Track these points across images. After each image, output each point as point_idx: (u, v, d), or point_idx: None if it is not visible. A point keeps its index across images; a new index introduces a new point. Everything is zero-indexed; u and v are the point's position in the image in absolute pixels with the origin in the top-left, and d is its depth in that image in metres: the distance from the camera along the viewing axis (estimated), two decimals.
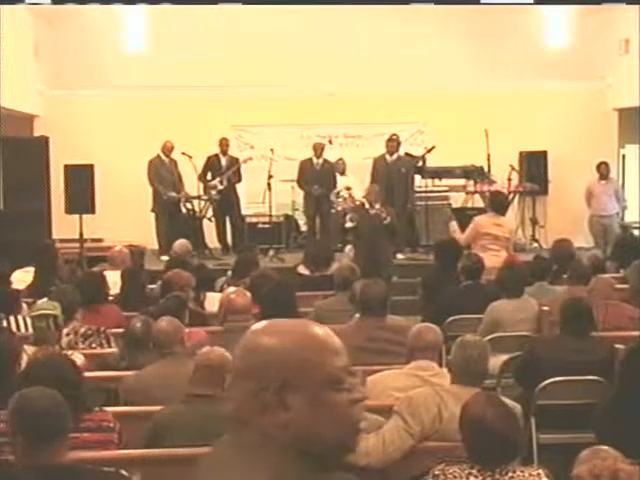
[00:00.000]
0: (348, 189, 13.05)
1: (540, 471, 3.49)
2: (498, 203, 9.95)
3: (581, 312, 5.82)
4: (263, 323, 1.76)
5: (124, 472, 3.73)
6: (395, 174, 12.32)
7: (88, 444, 4.01)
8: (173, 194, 12.69)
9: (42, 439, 3.32)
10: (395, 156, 12.59)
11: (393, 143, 12.61)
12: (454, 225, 9.72)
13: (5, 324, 6.54)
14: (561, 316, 5.87)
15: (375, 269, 9.03)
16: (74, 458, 3.80)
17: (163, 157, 12.92)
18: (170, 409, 4.38)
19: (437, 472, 3.51)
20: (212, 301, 7.34)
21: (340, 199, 13.20)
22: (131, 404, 4.93)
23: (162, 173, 12.83)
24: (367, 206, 10.25)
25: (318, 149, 13.31)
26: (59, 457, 3.37)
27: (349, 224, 10.25)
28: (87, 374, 4.66)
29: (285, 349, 1.67)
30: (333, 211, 13.20)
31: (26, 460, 3.33)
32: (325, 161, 13.31)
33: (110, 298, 7.66)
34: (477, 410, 3.52)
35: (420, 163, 12.88)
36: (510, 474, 3.42)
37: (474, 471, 3.44)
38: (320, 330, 1.72)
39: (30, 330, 6.29)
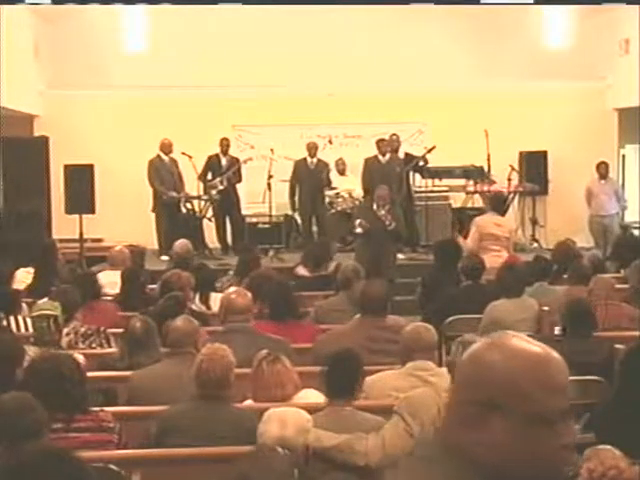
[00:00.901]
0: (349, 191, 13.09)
1: None
2: (498, 203, 9.96)
3: (585, 313, 5.82)
4: (499, 336, 1.69)
5: (114, 467, 3.74)
6: (390, 174, 12.30)
7: (88, 444, 4.01)
8: (173, 194, 12.69)
9: (16, 440, 3.34)
10: (388, 156, 12.57)
11: (384, 143, 12.59)
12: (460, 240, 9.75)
13: (5, 324, 6.55)
14: (565, 317, 5.86)
15: (377, 271, 9.03)
16: None
17: (163, 156, 12.91)
18: (176, 408, 4.37)
19: None
20: (217, 301, 7.34)
21: (340, 199, 13.21)
22: (136, 403, 4.93)
23: (162, 173, 12.83)
24: (375, 207, 10.21)
25: (312, 149, 13.42)
26: None
27: (359, 229, 10.14)
28: (87, 374, 4.66)
29: (504, 369, 1.60)
30: (333, 211, 13.22)
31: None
32: (319, 160, 13.40)
33: (110, 298, 7.68)
34: None
35: (422, 163, 12.89)
36: None
37: None
38: (552, 363, 1.62)
39: (30, 330, 6.28)
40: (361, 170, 12.56)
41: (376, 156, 12.56)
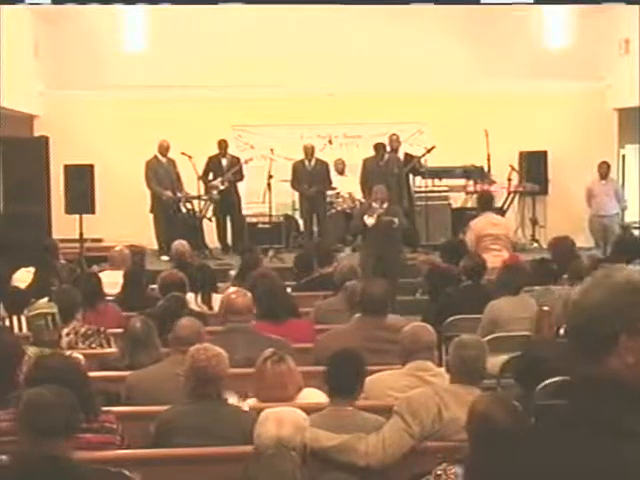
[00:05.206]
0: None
1: None
2: (486, 202, 9.98)
3: None
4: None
5: (127, 472, 3.74)
6: (387, 175, 12.28)
7: (91, 445, 4.01)
8: (169, 194, 12.67)
9: (46, 434, 3.32)
10: (387, 157, 12.55)
11: (381, 146, 12.57)
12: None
13: (8, 323, 6.54)
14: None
15: (386, 269, 9.03)
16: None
17: (160, 157, 12.91)
18: (175, 409, 4.36)
19: (439, 472, 3.51)
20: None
21: (340, 199, 13.20)
22: (133, 403, 4.93)
23: (160, 173, 12.83)
24: (375, 205, 10.15)
25: (309, 151, 13.31)
26: (63, 453, 3.37)
27: (370, 220, 10.03)
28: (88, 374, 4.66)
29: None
30: (333, 211, 13.20)
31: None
32: (317, 161, 13.30)
33: (110, 298, 7.66)
34: (482, 407, 3.53)
35: (417, 166, 12.89)
36: None
37: None
38: None
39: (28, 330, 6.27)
40: (359, 170, 12.55)
41: (375, 156, 12.54)
